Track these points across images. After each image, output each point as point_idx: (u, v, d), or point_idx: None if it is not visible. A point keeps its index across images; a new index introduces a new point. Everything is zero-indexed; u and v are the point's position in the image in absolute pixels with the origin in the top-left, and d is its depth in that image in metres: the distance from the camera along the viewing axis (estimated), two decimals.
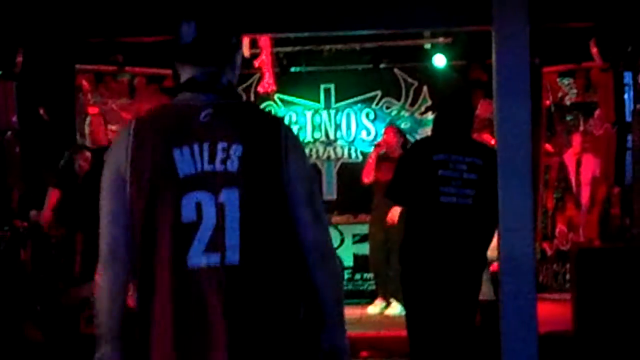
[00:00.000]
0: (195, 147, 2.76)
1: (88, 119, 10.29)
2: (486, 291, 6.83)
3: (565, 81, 11.14)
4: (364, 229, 10.34)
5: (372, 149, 10.52)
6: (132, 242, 2.77)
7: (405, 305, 6.10)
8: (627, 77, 10.12)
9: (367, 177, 10.05)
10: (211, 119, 2.80)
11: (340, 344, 2.98)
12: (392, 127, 10.56)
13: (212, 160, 2.75)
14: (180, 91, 2.92)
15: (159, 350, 2.75)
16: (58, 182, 8.78)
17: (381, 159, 10.01)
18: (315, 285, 2.90)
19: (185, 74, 2.93)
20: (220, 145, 2.76)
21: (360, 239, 10.84)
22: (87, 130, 10.28)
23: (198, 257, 2.70)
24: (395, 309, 9.72)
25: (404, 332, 6.06)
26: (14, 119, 9.30)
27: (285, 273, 2.82)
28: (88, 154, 9.44)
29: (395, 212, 9.08)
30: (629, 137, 9.87)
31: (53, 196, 8.69)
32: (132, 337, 2.82)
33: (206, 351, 2.70)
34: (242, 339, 2.72)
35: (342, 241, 9.12)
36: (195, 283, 2.71)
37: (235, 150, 2.76)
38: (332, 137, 12.27)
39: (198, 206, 2.72)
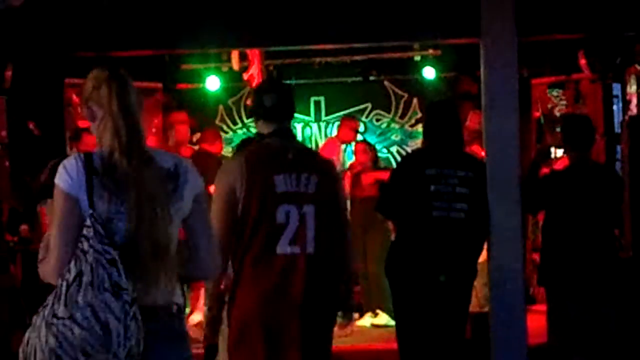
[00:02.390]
0: (287, 175, 4.28)
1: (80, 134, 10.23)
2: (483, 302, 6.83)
3: (555, 93, 11.16)
4: None
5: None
6: (237, 233, 4.25)
7: (395, 317, 6.10)
8: (616, 88, 10.14)
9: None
10: (294, 157, 4.35)
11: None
12: (362, 144, 10.49)
13: (297, 184, 4.28)
14: (269, 137, 4.42)
15: (244, 304, 4.25)
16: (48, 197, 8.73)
17: (356, 175, 10.00)
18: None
19: (269, 127, 4.45)
20: (303, 176, 4.31)
21: None
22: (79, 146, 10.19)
23: (284, 247, 4.22)
24: (382, 318, 9.70)
25: (394, 344, 6.06)
26: (4, 133, 9.29)
27: (339, 259, 4.43)
28: None
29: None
30: (618, 148, 9.89)
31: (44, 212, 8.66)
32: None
33: (284, 307, 4.24)
34: (313, 301, 4.26)
35: None
36: (280, 264, 4.23)
37: (313, 179, 4.32)
38: None
39: (287, 213, 4.23)
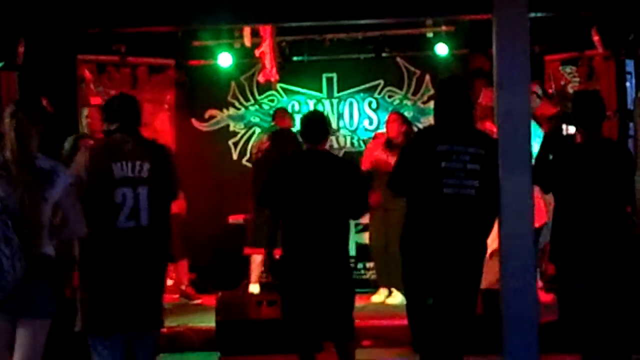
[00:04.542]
0: (123, 163, 5.39)
1: (85, 111, 10.23)
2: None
3: (568, 69, 11.13)
4: (366, 219, 10.32)
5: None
6: (85, 212, 5.22)
7: (406, 294, 6.12)
8: (629, 65, 10.11)
9: (364, 165, 10.09)
10: (132, 148, 5.48)
11: None
12: (395, 114, 10.58)
13: (132, 170, 5.38)
14: (114, 133, 5.56)
15: (97, 269, 5.42)
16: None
17: (388, 145, 10.02)
18: None
19: (114, 125, 5.57)
20: (137, 163, 5.41)
21: (363, 228, 10.85)
22: (84, 121, 10.19)
23: (123, 222, 5.37)
24: (397, 298, 9.72)
25: (405, 321, 6.08)
26: None
27: (167, 230, 5.64)
28: (92, 142, 9.47)
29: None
30: (631, 125, 9.87)
31: None
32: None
33: (126, 265, 5.41)
34: (148, 262, 5.49)
35: None
36: (121, 235, 5.36)
37: (146, 165, 5.43)
38: (334, 126, 12.25)
39: (123, 195, 5.35)
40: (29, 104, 5.35)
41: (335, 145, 12.20)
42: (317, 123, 6.93)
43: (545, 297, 8.57)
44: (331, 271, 6.63)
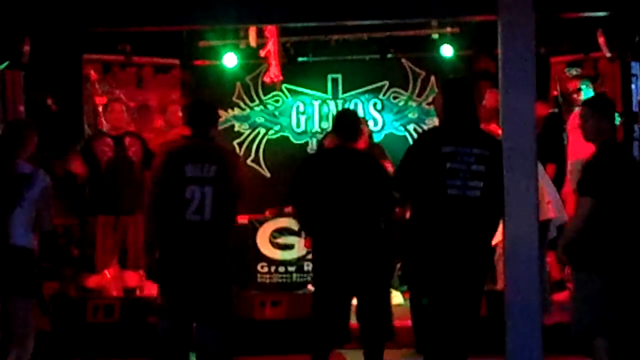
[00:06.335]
0: (194, 164, 6.07)
1: (107, 106, 10.00)
2: None
3: (573, 71, 11.13)
4: None
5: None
6: (160, 206, 6.15)
7: (410, 296, 6.10)
8: (635, 67, 10.11)
9: None
10: (202, 151, 6.16)
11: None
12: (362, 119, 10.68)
13: (201, 171, 6.07)
14: (190, 138, 6.33)
15: (168, 254, 6.13)
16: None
17: None
18: None
19: (191, 129, 6.32)
20: (206, 165, 6.09)
21: None
22: (107, 116, 9.89)
23: (191, 215, 6.03)
24: (397, 298, 9.70)
25: (408, 322, 6.08)
26: (21, 108, 9.33)
27: (230, 226, 6.27)
28: (109, 140, 9.40)
29: None
30: (636, 128, 9.87)
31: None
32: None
33: (190, 254, 6.09)
34: (210, 253, 6.11)
35: None
36: (189, 227, 6.04)
37: (213, 168, 6.09)
38: None
39: (192, 192, 6.04)
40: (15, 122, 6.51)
41: None
42: (351, 120, 6.92)
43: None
44: (364, 269, 6.46)
